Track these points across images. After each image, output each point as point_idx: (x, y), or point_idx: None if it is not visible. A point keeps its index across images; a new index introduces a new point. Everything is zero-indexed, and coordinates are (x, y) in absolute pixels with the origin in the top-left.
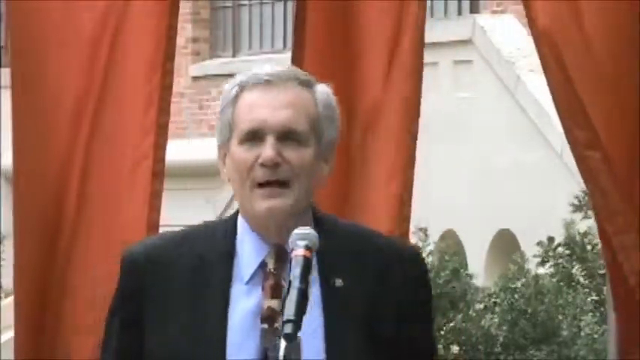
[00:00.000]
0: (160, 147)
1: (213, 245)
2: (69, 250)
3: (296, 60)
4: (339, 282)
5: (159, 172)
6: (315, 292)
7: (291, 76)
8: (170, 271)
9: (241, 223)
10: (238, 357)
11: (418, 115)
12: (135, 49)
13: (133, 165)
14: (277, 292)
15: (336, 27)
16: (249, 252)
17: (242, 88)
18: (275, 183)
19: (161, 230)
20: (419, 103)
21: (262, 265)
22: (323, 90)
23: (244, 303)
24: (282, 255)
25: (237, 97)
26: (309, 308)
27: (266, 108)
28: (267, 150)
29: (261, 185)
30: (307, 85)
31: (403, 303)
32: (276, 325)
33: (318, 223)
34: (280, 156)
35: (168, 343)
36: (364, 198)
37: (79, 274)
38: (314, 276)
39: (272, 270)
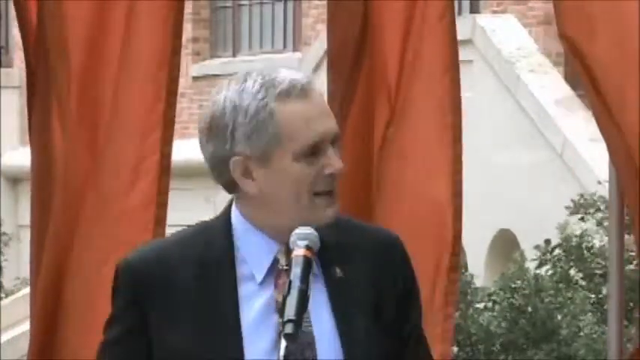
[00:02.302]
0: (167, 142)
1: (211, 249)
2: (79, 249)
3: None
4: (339, 272)
5: (166, 167)
6: (319, 287)
7: (310, 80)
8: (169, 278)
9: (242, 224)
10: (254, 355)
11: (454, 112)
12: (143, 47)
13: (139, 160)
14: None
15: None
16: (257, 252)
17: (278, 99)
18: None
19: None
20: (458, 100)
21: (273, 262)
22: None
23: (256, 301)
24: (291, 252)
25: (274, 109)
26: (316, 303)
27: (320, 119)
28: (337, 161)
29: (318, 194)
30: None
31: (398, 284)
32: None
33: None
34: None
35: (181, 349)
36: (399, 200)
37: (86, 275)
38: (316, 274)
39: (284, 267)
